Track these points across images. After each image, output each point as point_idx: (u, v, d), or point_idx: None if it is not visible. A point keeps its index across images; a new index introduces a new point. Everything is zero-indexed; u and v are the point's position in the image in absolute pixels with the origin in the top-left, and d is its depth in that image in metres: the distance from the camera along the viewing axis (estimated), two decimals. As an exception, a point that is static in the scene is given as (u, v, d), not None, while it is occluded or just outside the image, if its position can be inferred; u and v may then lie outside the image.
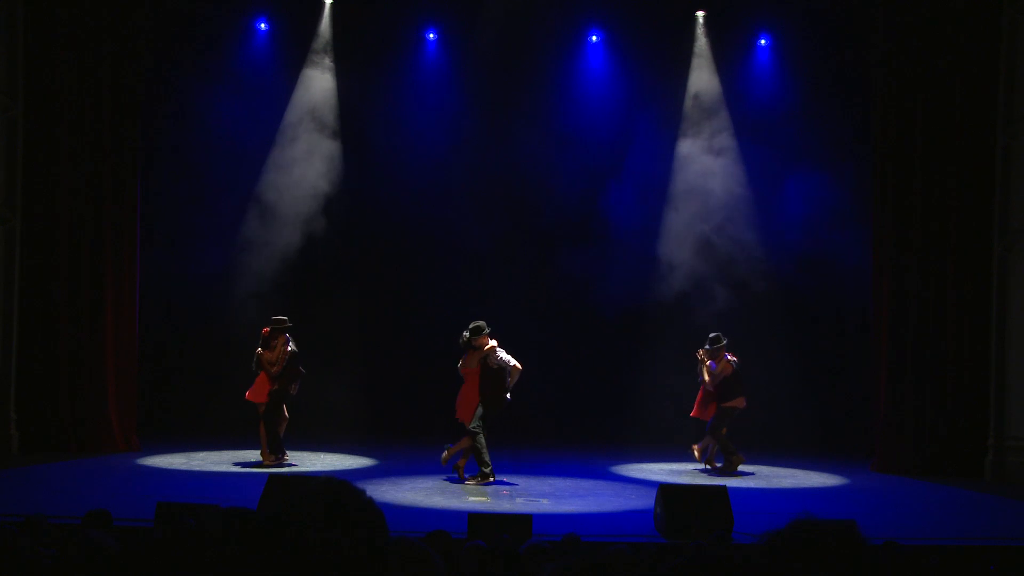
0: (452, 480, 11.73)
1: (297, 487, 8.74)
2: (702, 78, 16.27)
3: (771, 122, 16.00)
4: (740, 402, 13.01)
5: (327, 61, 16.14)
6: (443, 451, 11.97)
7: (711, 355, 13.06)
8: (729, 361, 12.99)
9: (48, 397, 13.35)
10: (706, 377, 13.03)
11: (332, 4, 16.12)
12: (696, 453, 13.30)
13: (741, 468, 13.04)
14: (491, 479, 11.64)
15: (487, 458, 11.68)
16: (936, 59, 13.55)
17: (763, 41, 16.38)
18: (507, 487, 11.54)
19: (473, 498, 10.85)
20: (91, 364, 13.47)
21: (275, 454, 12.54)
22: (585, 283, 16.13)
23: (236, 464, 12.66)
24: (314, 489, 2.08)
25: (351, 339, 16.03)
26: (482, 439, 11.68)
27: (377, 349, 16.25)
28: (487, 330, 11.94)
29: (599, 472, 12.98)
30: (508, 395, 11.90)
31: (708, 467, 13.17)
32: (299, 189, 15.79)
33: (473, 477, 11.68)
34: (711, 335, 13.18)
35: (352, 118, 16.18)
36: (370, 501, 2.11)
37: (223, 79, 15.78)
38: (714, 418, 12.94)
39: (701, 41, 16.29)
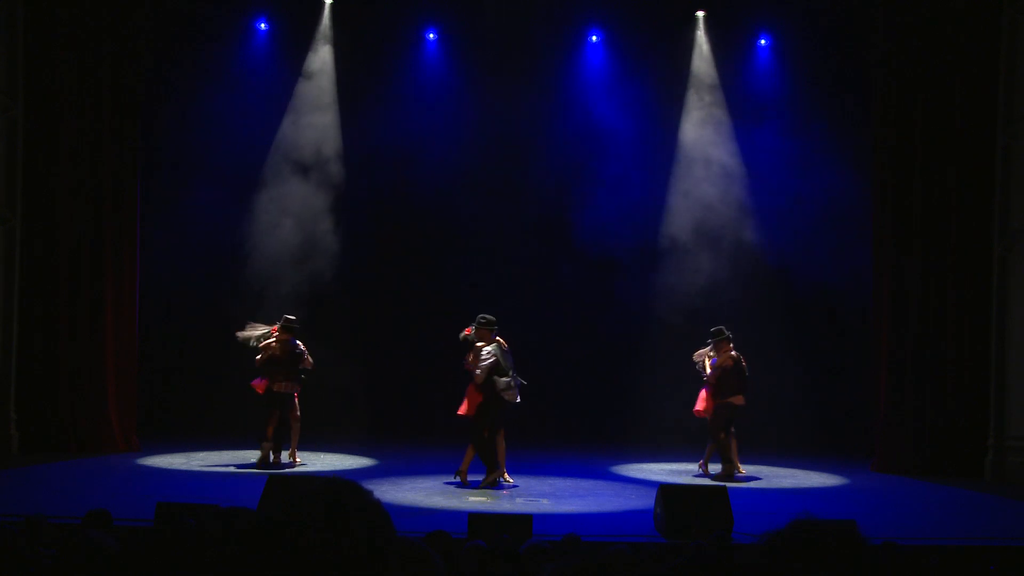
0: (455, 485, 11.62)
1: (298, 487, 8.74)
2: (702, 78, 16.27)
3: (771, 122, 16.01)
4: (739, 399, 12.72)
5: (327, 61, 16.14)
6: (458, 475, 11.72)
7: (714, 348, 12.91)
8: (731, 356, 12.86)
9: (48, 397, 13.35)
10: (708, 370, 12.90)
11: (332, 4, 16.13)
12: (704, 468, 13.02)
13: (737, 475, 12.96)
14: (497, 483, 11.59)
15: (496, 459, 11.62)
16: (936, 59, 13.55)
17: (763, 41, 16.38)
18: (507, 487, 11.53)
19: (473, 498, 10.85)
20: (91, 364, 13.47)
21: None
22: (585, 282, 16.15)
23: (265, 469, 12.64)
24: (314, 489, 2.08)
25: (351, 339, 16.02)
26: (487, 442, 11.57)
27: (377, 349, 16.25)
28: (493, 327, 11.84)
29: (599, 472, 12.98)
30: (508, 394, 11.68)
31: (702, 472, 13.03)
32: (299, 189, 15.80)
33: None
34: (713, 328, 13.05)
35: (352, 118, 16.18)
36: (375, 502, 2.11)
37: (223, 79, 15.79)
38: (713, 417, 12.78)
39: (701, 41, 16.30)
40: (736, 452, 12.89)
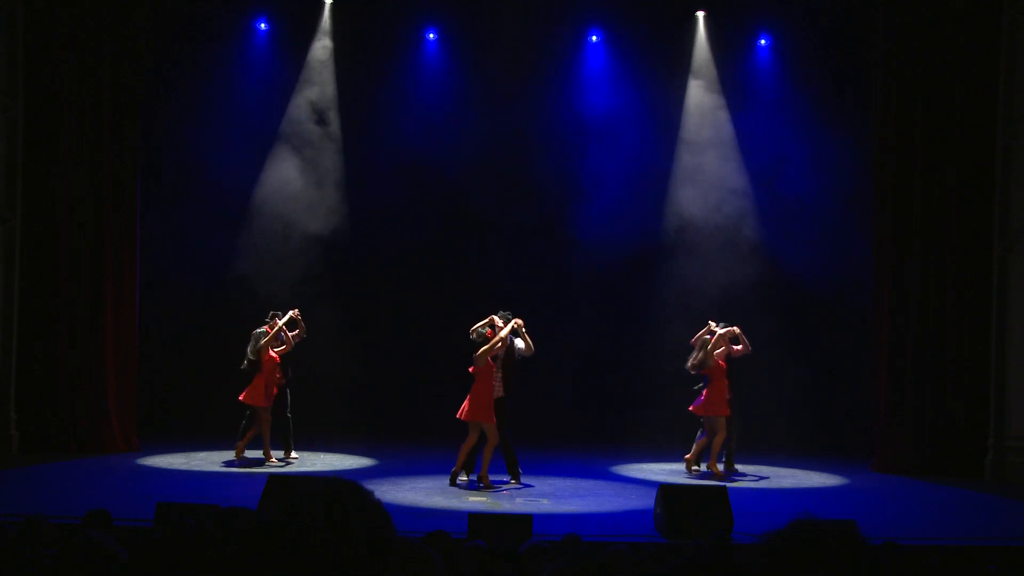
0: (472, 486, 11.55)
1: (298, 488, 8.74)
2: (702, 78, 16.27)
3: (771, 122, 16.01)
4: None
5: (327, 61, 16.14)
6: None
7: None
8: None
9: (48, 397, 13.35)
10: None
11: (332, 4, 16.13)
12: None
13: (738, 470, 13.07)
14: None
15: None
16: (936, 59, 13.55)
17: (763, 41, 16.38)
18: (507, 488, 11.54)
19: (473, 498, 10.85)
20: (91, 364, 13.47)
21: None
22: (585, 282, 16.15)
23: (273, 467, 12.65)
24: (315, 489, 2.08)
25: (351, 339, 16.02)
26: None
27: (377, 349, 16.25)
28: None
29: (599, 472, 12.98)
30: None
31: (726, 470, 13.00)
32: (299, 189, 15.79)
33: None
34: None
35: (352, 118, 16.18)
36: (375, 502, 2.11)
37: (223, 79, 15.79)
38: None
39: (701, 41, 16.29)
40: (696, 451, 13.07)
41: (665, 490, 9.31)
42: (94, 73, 13.58)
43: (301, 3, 16.27)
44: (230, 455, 13.10)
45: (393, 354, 16.23)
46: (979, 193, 13.46)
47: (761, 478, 12.81)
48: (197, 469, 12.34)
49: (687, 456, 13.01)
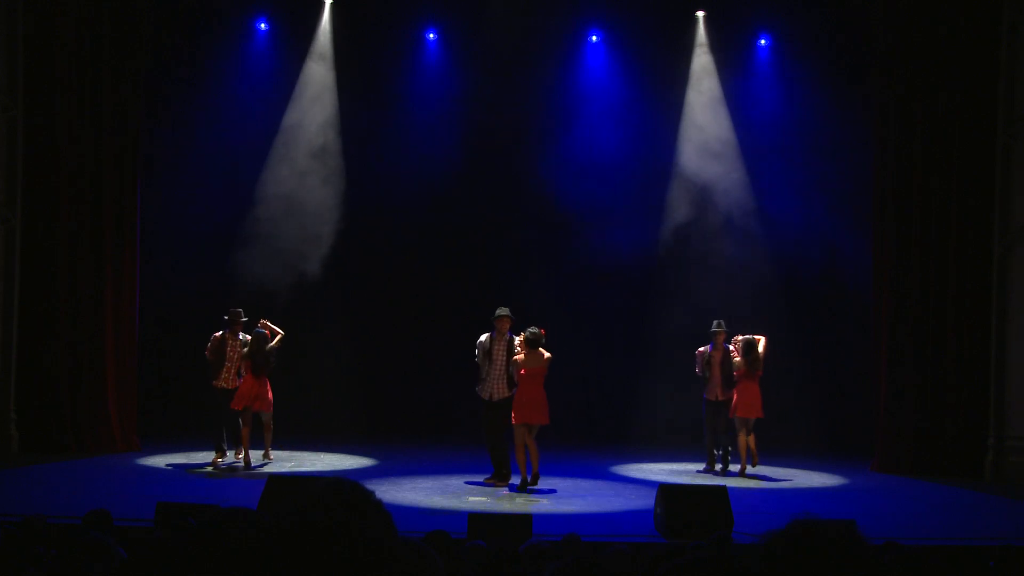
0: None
1: (299, 488, 8.74)
2: (702, 78, 16.27)
3: (771, 122, 16.01)
4: (713, 394, 13.03)
5: (327, 61, 16.14)
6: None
7: (714, 342, 13.09)
8: (720, 350, 13.05)
9: (48, 397, 13.34)
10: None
11: (332, 4, 16.13)
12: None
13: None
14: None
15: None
16: (936, 59, 13.55)
17: (763, 41, 16.38)
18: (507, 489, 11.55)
19: (473, 498, 10.85)
20: (91, 364, 13.47)
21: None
22: (584, 282, 16.14)
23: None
24: (316, 490, 2.08)
25: (351, 338, 16.01)
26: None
27: (377, 349, 16.24)
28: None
29: (599, 472, 12.98)
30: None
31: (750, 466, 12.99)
32: (299, 189, 15.79)
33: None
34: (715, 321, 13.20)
35: (352, 118, 16.17)
36: (377, 502, 2.11)
37: (223, 79, 15.79)
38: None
39: (701, 41, 16.29)
40: (711, 449, 13.13)
41: (665, 490, 9.31)
42: (94, 73, 13.57)
43: (301, 3, 16.27)
44: (230, 455, 13.07)
45: (393, 354, 16.23)
46: (979, 193, 13.46)
47: (761, 478, 12.80)
48: (197, 469, 12.33)
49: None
